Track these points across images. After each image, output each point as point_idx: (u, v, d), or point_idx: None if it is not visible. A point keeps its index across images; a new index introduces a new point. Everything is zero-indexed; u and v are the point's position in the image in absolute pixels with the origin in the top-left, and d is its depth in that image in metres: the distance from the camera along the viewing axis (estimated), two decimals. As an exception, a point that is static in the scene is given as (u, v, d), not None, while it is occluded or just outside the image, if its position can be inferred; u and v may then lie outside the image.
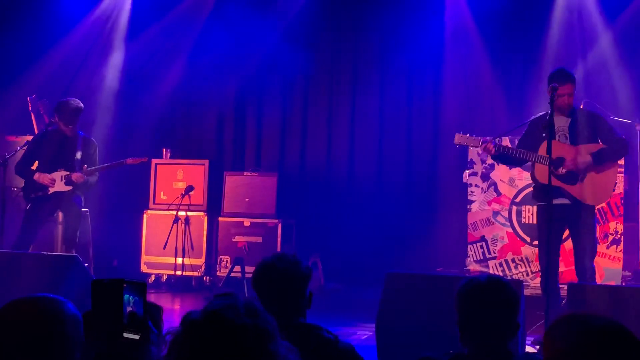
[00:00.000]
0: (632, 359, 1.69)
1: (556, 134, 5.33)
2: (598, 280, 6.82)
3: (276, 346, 1.62)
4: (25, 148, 6.90)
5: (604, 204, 6.99)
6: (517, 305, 2.63)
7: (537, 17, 8.10)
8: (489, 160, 7.49)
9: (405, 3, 8.48)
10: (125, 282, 2.03)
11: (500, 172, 7.46)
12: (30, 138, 7.31)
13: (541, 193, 5.41)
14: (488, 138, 5.47)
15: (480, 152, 5.63)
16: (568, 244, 5.58)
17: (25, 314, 1.82)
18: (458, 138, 5.56)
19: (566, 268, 5.58)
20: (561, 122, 5.42)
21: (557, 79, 5.28)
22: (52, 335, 1.81)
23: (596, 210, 6.15)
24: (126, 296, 2.04)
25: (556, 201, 5.24)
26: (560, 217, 5.25)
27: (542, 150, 5.28)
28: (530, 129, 5.58)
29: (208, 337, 1.57)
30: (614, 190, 5.55)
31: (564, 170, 5.33)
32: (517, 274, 7.23)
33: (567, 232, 5.59)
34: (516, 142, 5.83)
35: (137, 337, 2.00)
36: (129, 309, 2.03)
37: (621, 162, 6.93)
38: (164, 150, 8.68)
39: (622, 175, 7.10)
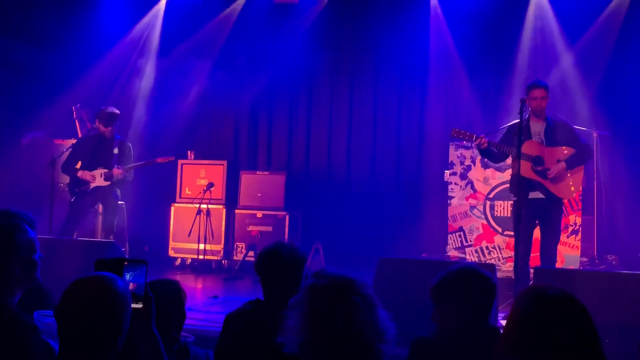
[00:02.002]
0: (578, 321, 1.71)
1: (532, 137, 5.37)
2: (559, 265, 6.85)
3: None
4: (70, 150, 6.93)
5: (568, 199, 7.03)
6: (493, 293, 2.55)
7: (509, 39, 8.11)
8: (467, 162, 7.51)
9: (396, 27, 8.47)
10: (126, 260, 2.08)
11: (476, 172, 7.46)
12: (74, 141, 7.33)
13: (516, 187, 5.34)
14: (483, 135, 5.41)
15: (473, 145, 5.57)
16: (536, 232, 5.59)
17: (89, 288, 1.93)
18: (455, 132, 5.46)
19: (533, 254, 5.61)
20: (537, 127, 5.42)
21: (530, 85, 5.36)
22: (110, 305, 1.93)
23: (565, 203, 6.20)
24: (130, 273, 2.09)
25: (532, 195, 5.28)
26: (533, 210, 5.28)
27: (524, 149, 5.27)
28: (507, 134, 5.58)
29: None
30: (581, 186, 5.58)
31: (540, 168, 5.35)
32: (490, 259, 7.24)
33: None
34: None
35: (139, 306, 2.06)
36: (132, 285, 2.08)
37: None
38: (189, 152, 8.69)
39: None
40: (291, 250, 2.88)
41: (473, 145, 5.53)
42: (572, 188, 5.45)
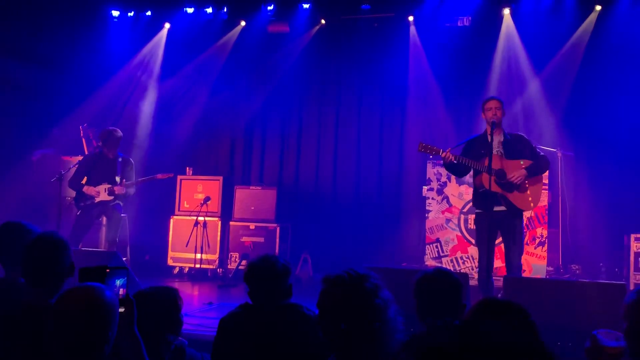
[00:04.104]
0: (519, 321, 1.73)
1: (493, 149, 5.15)
2: (527, 274, 6.84)
3: None
4: (76, 166, 6.86)
5: (532, 214, 7.04)
6: (459, 289, 2.61)
7: (481, 67, 8.17)
8: (443, 179, 7.53)
9: (378, 55, 8.53)
10: (108, 268, 2.04)
11: (452, 188, 7.49)
12: (80, 158, 7.27)
13: (481, 200, 5.21)
14: (449, 148, 5.17)
15: (442, 156, 5.32)
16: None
17: (77, 299, 1.87)
18: (422, 147, 5.19)
19: (502, 264, 5.58)
20: (496, 141, 5.29)
21: (485, 99, 5.29)
22: (98, 316, 1.87)
23: (524, 217, 6.12)
24: (120, 280, 2.06)
25: (496, 208, 5.14)
26: (495, 222, 5.12)
27: (486, 163, 5.08)
28: (467, 146, 5.37)
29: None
30: (540, 200, 5.47)
31: (503, 180, 5.17)
32: (464, 268, 7.25)
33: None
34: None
35: (122, 310, 2.03)
36: (122, 291, 2.05)
37: (545, 180, 6.98)
38: (187, 168, 8.66)
39: (547, 191, 7.15)
40: (280, 263, 2.89)
41: (441, 157, 5.29)
42: (531, 199, 5.25)
